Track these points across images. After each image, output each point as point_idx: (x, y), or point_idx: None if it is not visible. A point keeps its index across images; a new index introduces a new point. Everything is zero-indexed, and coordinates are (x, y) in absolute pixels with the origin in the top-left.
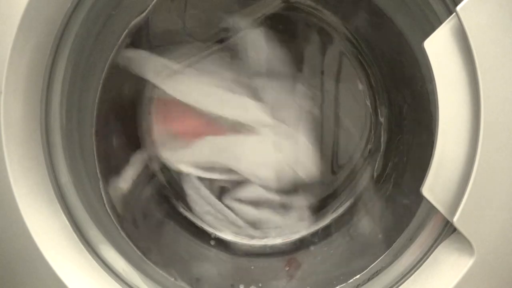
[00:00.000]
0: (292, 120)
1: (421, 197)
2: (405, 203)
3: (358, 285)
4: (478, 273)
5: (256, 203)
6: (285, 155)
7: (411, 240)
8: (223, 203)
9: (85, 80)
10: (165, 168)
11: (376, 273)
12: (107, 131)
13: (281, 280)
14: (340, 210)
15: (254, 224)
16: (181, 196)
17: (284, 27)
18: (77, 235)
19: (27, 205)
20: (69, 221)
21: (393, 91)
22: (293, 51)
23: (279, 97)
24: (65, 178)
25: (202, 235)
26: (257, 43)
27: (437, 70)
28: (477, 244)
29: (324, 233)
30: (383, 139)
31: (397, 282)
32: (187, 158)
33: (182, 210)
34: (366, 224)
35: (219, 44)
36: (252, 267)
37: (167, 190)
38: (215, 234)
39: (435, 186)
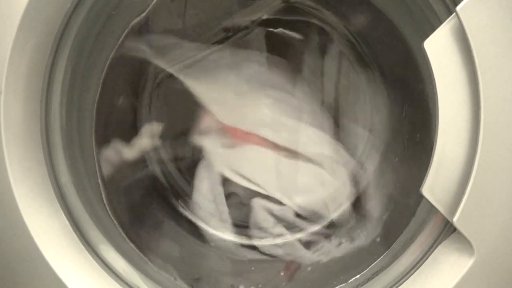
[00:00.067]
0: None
1: (421, 197)
2: (405, 203)
3: (358, 285)
4: (478, 273)
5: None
6: (328, 191)
7: (411, 240)
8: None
9: (85, 80)
10: (165, 168)
11: (376, 273)
12: (107, 131)
13: (281, 280)
14: (340, 211)
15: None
16: (181, 196)
17: (284, 27)
18: (77, 235)
19: (27, 205)
20: (69, 221)
21: (393, 91)
22: (293, 51)
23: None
24: (65, 178)
25: (202, 235)
26: (257, 43)
27: (437, 70)
28: (477, 244)
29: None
30: (383, 138)
31: (397, 282)
32: (225, 158)
33: (182, 210)
34: (366, 224)
35: (219, 44)
36: (253, 268)
37: (167, 190)
38: (216, 234)
39: (435, 186)
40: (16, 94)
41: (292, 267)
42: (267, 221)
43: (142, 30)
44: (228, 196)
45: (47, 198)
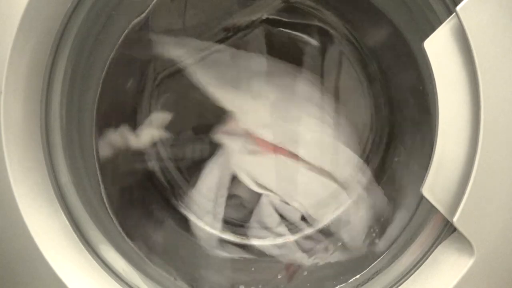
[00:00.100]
0: None
1: (421, 197)
2: (405, 203)
3: (358, 285)
4: (478, 273)
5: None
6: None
7: (411, 240)
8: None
9: (85, 80)
10: (165, 168)
11: (376, 273)
12: (107, 131)
13: (281, 281)
14: (340, 211)
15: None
16: (181, 196)
17: (284, 27)
18: (77, 235)
19: (27, 205)
20: (69, 221)
21: (393, 91)
22: (293, 51)
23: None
24: (65, 178)
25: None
26: (257, 43)
27: (437, 70)
28: (477, 244)
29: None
30: (383, 138)
31: (397, 282)
32: (245, 162)
33: (182, 210)
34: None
35: (219, 44)
36: (253, 269)
37: (167, 190)
38: (216, 234)
39: (435, 186)
40: (16, 94)
41: (292, 268)
42: (272, 218)
43: (142, 30)
44: (230, 197)
45: (47, 198)
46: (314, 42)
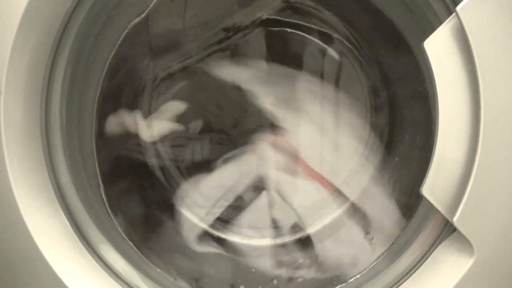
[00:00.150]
0: None
1: (421, 197)
2: (405, 203)
3: (358, 285)
4: (478, 273)
5: None
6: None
7: (411, 240)
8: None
9: (85, 80)
10: (164, 167)
11: (376, 273)
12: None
13: (281, 281)
14: (339, 211)
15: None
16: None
17: (284, 27)
18: (77, 235)
19: (27, 205)
20: (69, 221)
21: (393, 91)
22: (293, 51)
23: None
24: (65, 178)
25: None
26: (257, 43)
27: (437, 70)
28: (477, 244)
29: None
30: (383, 139)
31: (397, 282)
32: (282, 184)
33: (182, 210)
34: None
35: (219, 44)
36: (253, 269)
37: (167, 190)
38: (216, 235)
39: (435, 186)
40: (16, 94)
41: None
42: (263, 218)
43: (142, 30)
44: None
45: (47, 198)
46: (313, 41)
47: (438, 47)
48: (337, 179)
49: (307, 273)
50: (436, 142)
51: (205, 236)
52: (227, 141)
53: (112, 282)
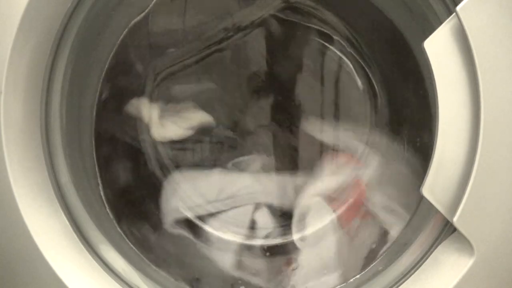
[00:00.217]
0: None
1: (421, 197)
2: (405, 202)
3: (358, 285)
4: (478, 273)
5: None
6: None
7: (411, 240)
8: None
9: (85, 80)
10: (164, 167)
11: (376, 273)
12: (106, 131)
13: (282, 280)
14: (339, 211)
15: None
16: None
17: (284, 27)
18: (77, 235)
19: (27, 205)
20: (69, 221)
21: (393, 91)
22: (293, 51)
23: None
24: (65, 178)
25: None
26: (257, 43)
27: (437, 70)
28: (477, 244)
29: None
30: (383, 138)
31: (397, 282)
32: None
33: (182, 209)
34: (365, 224)
35: (219, 44)
36: (253, 270)
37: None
38: (234, 241)
39: (435, 186)
40: (16, 94)
41: (292, 264)
42: (245, 219)
43: (142, 30)
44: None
45: (47, 198)
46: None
47: (438, 47)
48: (337, 179)
49: (257, 281)
50: (436, 142)
51: (183, 221)
52: (227, 140)
53: (112, 282)
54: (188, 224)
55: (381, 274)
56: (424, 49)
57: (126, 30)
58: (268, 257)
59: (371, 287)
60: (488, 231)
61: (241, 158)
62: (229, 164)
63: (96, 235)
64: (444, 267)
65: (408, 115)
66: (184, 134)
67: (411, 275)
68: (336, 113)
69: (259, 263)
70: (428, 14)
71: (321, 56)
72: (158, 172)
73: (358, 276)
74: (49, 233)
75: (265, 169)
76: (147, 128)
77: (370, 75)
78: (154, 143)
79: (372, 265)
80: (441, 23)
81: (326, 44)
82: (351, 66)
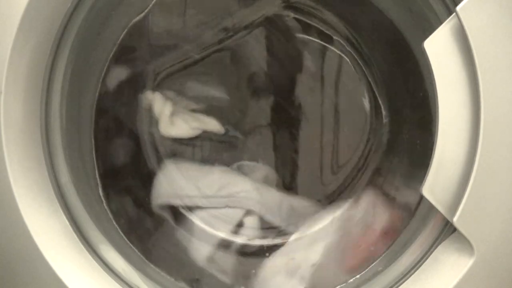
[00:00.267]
0: None
1: (421, 197)
2: (405, 203)
3: (358, 285)
4: (478, 273)
5: None
6: None
7: (411, 240)
8: None
9: (85, 80)
10: (162, 162)
11: (376, 273)
12: (106, 131)
13: (281, 280)
14: (339, 211)
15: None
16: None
17: (284, 27)
18: (77, 235)
19: (27, 205)
20: (69, 221)
21: (393, 91)
22: (293, 51)
23: None
24: (65, 178)
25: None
26: (257, 43)
27: (437, 70)
28: (477, 244)
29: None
30: (383, 139)
31: (397, 282)
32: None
33: (182, 210)
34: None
35: (219, 44)
36: (253, 271)
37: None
38: (216, 235)
39: (435, 186)
40: (16, 94)
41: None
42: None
43: (142, 29)
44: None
45: (47, 198)
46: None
47: (438, 47)
48: (336, 180)
49: (224, 278)
50: (436, 142)
51: (169, 207)
52: (227, 139)
53: (112, 282)
54: (173, 210)
55: (381, 274)
56: (424, 49)
57: (126, 30)
58: (241, 257)
59: (371, 287)
60: (488, 231)
61: (246, 162)
62: (234, 165)
63: (96, 235)
64: (444, 267)
65: (408, 115)
66: (192, 133)
67: (411, 275)
68: (336, 113)
69: (230, 262)
70: (428, 14)
71: (321, 56)
72: (158, 170)
73: (358, 276)
74: (49, 233)
75: (266, 181)
76: (148, 120)
77: (370, 75)
78: (154, 137)
79: (372, 265)
80: (441, 23)
81: (326, 44)
82: (351, 66)
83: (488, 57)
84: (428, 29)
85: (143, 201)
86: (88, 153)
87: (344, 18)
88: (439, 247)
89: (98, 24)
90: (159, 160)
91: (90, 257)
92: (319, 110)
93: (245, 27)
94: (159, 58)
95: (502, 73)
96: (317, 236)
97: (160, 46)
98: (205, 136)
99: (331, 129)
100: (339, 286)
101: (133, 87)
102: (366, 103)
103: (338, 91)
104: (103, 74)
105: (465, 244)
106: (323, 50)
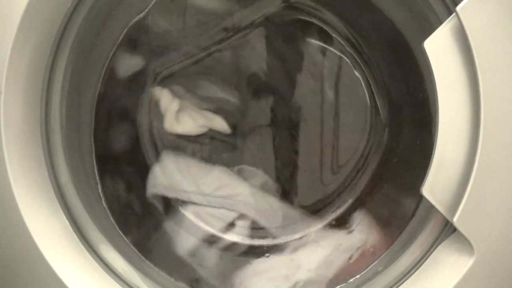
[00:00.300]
0: None
1: (421, 197)
2: (405, 203)
3: (358, 285)
4: (478, 273)
5: None
6: None
7: (411, 240)
8: None
9: (85, 80)
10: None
11: (376, 273)
12: (106, 131)
13: (281, 280)
14: (339, 211)
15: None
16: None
17: (284, 27)
18: (77, 235)
19: (27, 205)
20: (69, 221)
21: (393, 91)
22: (293, 51)
23: None
24: (65, 178)
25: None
26: (257, 43)
27: (437, 70)
28: (477, 244)
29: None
30: (383, 139)
31: (397, 282)
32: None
33: (182, 210)
34: (366, 224)
35: (219, 44)
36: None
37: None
38: (206, 229)
39: (435, 186)
40: (16, 94)
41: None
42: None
43: (142, 29)
44: None
45: (47, 198)
46: (313, 41)
47: (438, 47)
48: (336, 180)
49: (202, 273)
50: (436, 142)
51: (161, 197)
52: (226, 139)
53: (112, 282)
54: (165, 201)
55: (381, 274)
56: (424, 49)
57: (126, 30)
58: (225, 255)
59: (371, 287)
60: (488, 231)
61: (247, 167)
62: (235, 169)
63: (96, 235)
64: (444, 267)
65: (408, 115)
66: (197, 131)
67: (411, 275)
68: (336, 113)
69: (213, 258)
70: (428, 14)
71: (321, 56)
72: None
73: (358, 276)
74: (49, 233)
75: (264, 188)
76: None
77: (370, 75)
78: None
79: (372, 265)
80: (441, 23)
81: (326, 45)
82: (351, 66)
83: (488, 57)
84: (428, 29)
85: (143, 201)
86: (88, 153)
87: (344, 18)
88: (439, 247)
89: (98, 24)
90: (159, 154)
91: (90, 257)
92: (319, 110)
93: (245, 27)
94: (159, 58)
95: (502, 73)
96: (302, 247)
97: (160, 46)
98: (208, 135)
99: (331, 129)
100: (339, 286)
101: (133, 87)
102: (366, 103)
103: (338, 91)
104: (103, 74)
105: (465, 244)
106: (323, 50)
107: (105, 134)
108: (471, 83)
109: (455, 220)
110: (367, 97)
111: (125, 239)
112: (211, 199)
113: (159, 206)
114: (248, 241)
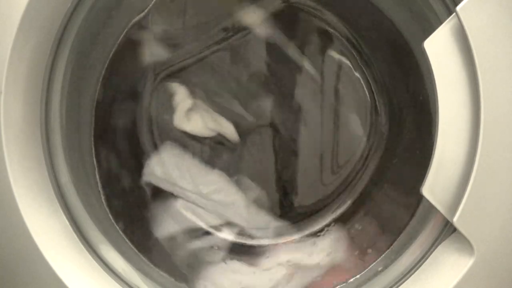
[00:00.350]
0: None
1: (421, 197)
2: (405, 203)
3: (358, 285)
4: (478, 273)
5: None
6: None
7: (411, 240)
8: None
9: (85, 80)
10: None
11: (376, 273)
12: (106, 131)
13: (281, 280)
14: (339, 210)
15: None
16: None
17: (284, 27)
18: (77, 235)
19: (27, 205)
20: (69, 221)
21: (393, 91)
22: (293, 51)
23: None
24: (65, 178)
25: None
26: (257, 43)
27: (437, 70)
28: (477, 244)
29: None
30: (383, 139)
31: (397, 282)
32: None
33: (182, 210)
34: (365, 224)
35: (219, 44)
36: (254, 272)
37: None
38: (192, 220)
39: (435, 186)
40: (16, 94)
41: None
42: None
43: (142, 29)
44: None
45: (47, 198)
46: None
47: (438, 47)
48: (336, 180)
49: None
50: (436, 142)
51: (154, 186)
52: (226, 140)
53: (112, 282)
54: (155, 189)
55: (381, 274)
56: (424, 49)
57: (126, 29)
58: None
59: (371, 287)
60: (488, 231)
61: (246, 179)
62: (234, 177)
63: (96, 235)
64: (444, 267)
65: (408, 115)
66: (205, 133)
67: (411, 275)
68: (336, 113)
69: (188, 249)
70: (428, 14)
71: (321, 56)
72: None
73: (358, 276)
74: (49, 233)
75: (258, 203)
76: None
77: (370, 75)
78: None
79: (372, 265)
80: (441, 23)
81: (326, 45)
82: (351, 66)
83: (488, 57)
84: (428, 29)
85: (144, 201)
86: (88, 153)
87: (344, 18)
88: (439, 247)
89: (98, 24)
90: (159, 153)
91: (90, 257)
92: (319, 110)
93: (245, 27)
94: (158, 58)
95: (502, 73)
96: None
97: (160, 46)
98: (214, 139)
99: (331, 129)
100: (339, 286)
101: (133, 87)
102: (366, 104)
103: (338, 91)
104: (103, 74)
105: (465, 244)
106: (323, 50)
107: (105, 134)
108: (471, 83)
109: (455, 220)
110: (367, 97)
111: (125, 239)
112: (206, 202)
113: (148, 191)
114: (235, 239)
